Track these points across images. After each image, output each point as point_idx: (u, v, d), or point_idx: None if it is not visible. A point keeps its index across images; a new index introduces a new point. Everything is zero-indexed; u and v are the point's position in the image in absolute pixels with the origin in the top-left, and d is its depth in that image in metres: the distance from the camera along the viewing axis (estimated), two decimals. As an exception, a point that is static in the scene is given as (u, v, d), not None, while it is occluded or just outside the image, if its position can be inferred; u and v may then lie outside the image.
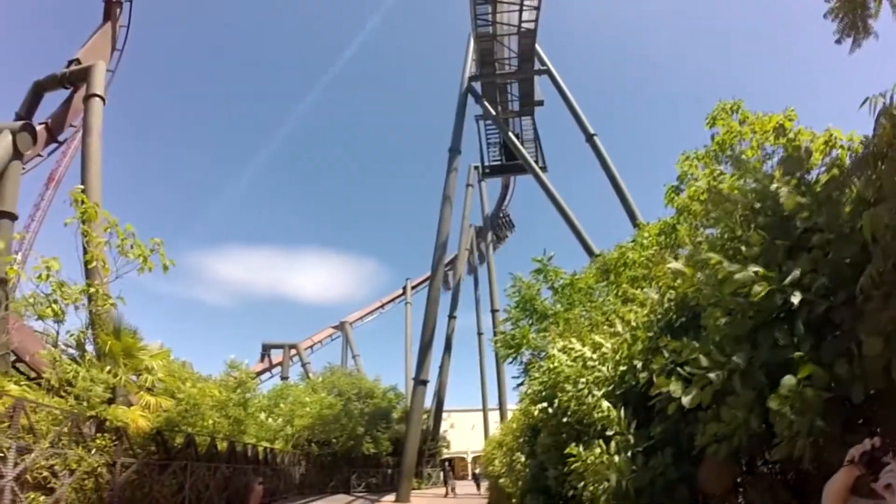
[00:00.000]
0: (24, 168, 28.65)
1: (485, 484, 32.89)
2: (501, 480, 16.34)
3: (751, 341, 3.14)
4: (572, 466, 5.31)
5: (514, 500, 12.98)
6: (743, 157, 4.65)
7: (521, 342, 16.66)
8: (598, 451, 4.72)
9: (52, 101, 33.94)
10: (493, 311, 51.34)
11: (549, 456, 7.66)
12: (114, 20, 37.62)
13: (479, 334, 58.76)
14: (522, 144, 45.15)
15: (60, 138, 34.60)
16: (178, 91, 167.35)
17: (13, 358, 21.92)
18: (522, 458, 10.97)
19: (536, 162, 45.27)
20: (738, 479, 4.08)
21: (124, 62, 39.78)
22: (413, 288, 70.10)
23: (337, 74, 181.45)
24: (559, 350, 7.88)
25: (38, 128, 30.32)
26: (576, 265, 18.03)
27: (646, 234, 12.03)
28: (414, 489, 34.47)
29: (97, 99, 30.06)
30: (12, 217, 25.22)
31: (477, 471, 45.33)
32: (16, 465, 12.35)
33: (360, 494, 36.38)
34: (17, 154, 26.02)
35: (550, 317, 15.95)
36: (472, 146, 50.09)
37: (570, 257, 49.44)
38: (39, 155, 33.66)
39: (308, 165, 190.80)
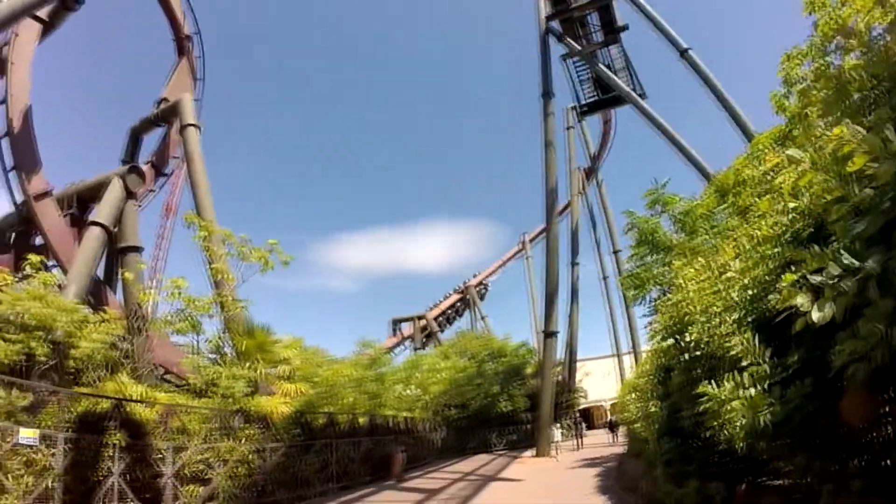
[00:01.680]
0: (139, 205, 31.42)
1: (622, 430, 32.23)
2: (636, 425, 15.91)
3: (885, 241, 2.65)
4: (705, 406, 4.95)
5: (649, 445, 12.75)
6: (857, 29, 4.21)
7: (645, 280, 16.13)
8: (730, 385, 4.35)
9: (150, 141, 37.15)
10: (615, 252, 49.65)
11: (682, 395, 7.36)
12: (188, 54, 39.99)
13: (604, 278, 56.70)
14: (615, 74, 42.84)
15: (167, 171, 37.52)
16: (256, 96, 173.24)
17: (161, 371, 24.36)
18: (655, 401, 10.67)
19: (633, 90, 42.68)
20: (884, 409, 3.59)
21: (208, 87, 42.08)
22: (531, 241, 69.14)
23: (414, 45, 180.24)
24: (685, 279, 7.52)
25: (144, 167, 33.14)
26: (692, 190, 17.04)
27: (759, 146, 11.12)
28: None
29: (191, 128, 32.31)
30: (138, 250, 27.80)
31: (612, 418, 43.18)
32: (174, 462, 13.80)
33: (501, 453, 36.56)
34: (129, 195, 28.60)
35: (673, 248, 15.29)
36: (564, 88, 47.75)
37: (685, 184, 46.20)
38: (152, 190, 36.67)
39: (406, 141, 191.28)
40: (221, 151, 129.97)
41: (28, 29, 29.30)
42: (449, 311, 68.05)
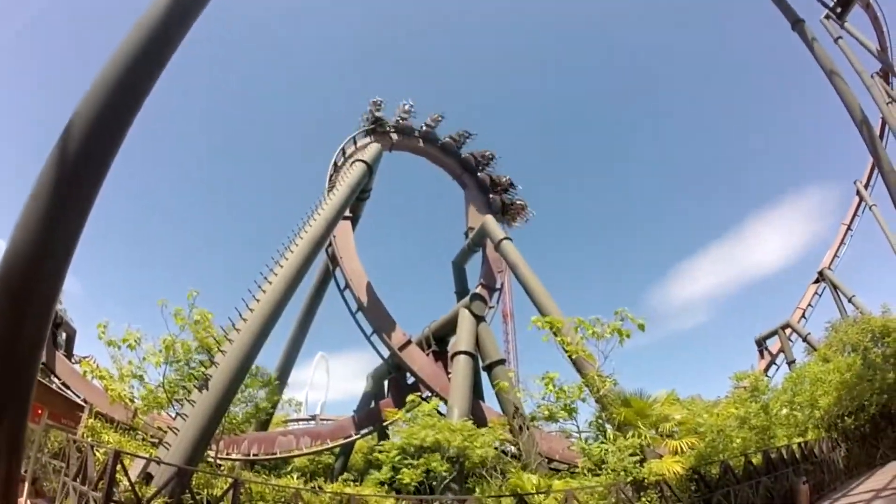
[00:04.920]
0: (488, 322, 36.54)
1: None
2: None
3: None
4: None
5: None
6: None
7: None
8: None
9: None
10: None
11: None
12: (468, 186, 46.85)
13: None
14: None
15: (498, 286, 42.93)
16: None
17: (547, 461, 27.50)
18: None
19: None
20: None
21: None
22: (865, 186, 58.52)
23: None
24: None
25: (479, 290, 38.79)
26: None
27: None
28: None
29: (505, 241, 37.66)
30: (502, 362, 32.43)
31: None
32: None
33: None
34: (478, 318, 33.85)
35: None
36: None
37: None
38: (491, 307, 42.11)
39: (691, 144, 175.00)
40: (534, 247, 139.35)
41: (342, 228, 37.53)
42: (811, 307, 60.54)
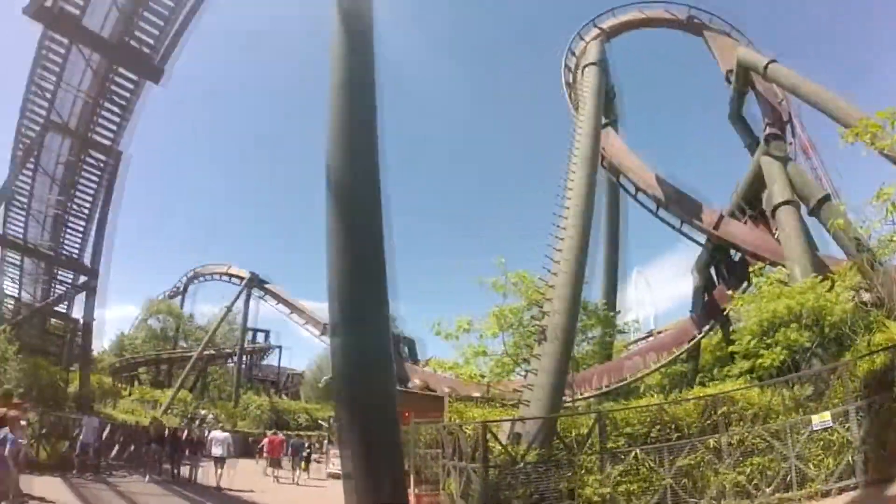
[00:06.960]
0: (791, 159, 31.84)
1: None
2: None
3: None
4: None
5: None
6: None
7: None
8: None
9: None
10: None
11: None
12: (702, 25, 40.63)
13: None
14: None
15: (785, 119, 36.49)
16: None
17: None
18: None
19: None
20: None
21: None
22: None
23: None
24: None
25: (768, 131, 33.83)
26: None
27: None
28: None
29: (772, 65, 31.34)
30: (830, 198, 27.69)
31: None
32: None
33: None
34: (783, 160, 29.96)
35: None
36: None
37: None
38: (790, 142, 36.34)
39: None
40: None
41: (608, 135, 36.25)
42: None
